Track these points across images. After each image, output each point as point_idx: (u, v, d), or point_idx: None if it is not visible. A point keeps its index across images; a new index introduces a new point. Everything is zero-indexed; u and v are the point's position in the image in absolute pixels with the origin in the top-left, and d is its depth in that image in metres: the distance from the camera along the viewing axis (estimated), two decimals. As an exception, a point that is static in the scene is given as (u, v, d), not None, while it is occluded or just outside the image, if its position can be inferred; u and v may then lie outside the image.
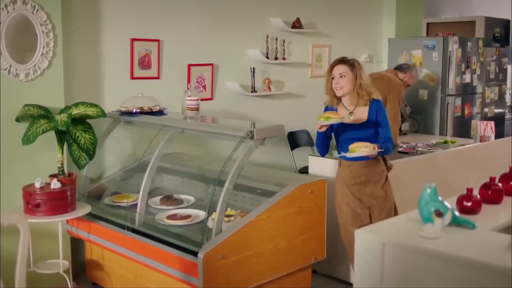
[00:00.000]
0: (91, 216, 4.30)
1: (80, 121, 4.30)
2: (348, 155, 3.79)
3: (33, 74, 4.35)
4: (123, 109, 4.62)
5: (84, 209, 4.20)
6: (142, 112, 4.57)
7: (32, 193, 3.97)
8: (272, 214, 3.80)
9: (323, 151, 4.14)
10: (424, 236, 2.23)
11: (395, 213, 4.11)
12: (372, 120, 3.93)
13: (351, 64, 3.95)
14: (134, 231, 4.06)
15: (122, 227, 4.13)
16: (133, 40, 5.11)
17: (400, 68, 5.90)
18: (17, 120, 4.22)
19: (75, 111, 4.27)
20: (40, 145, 4.22)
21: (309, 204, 4.05)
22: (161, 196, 4.49)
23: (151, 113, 4.58)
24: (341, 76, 3.93)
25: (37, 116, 4.16)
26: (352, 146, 3.76)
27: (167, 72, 5.36)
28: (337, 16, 6.89)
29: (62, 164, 4.25)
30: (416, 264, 2.15)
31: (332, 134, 4.09)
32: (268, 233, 3.80)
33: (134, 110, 4.57)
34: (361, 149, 3.73)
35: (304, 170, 5.47)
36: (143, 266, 3.95)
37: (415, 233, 2.27)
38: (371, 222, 3.90)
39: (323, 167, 4.57)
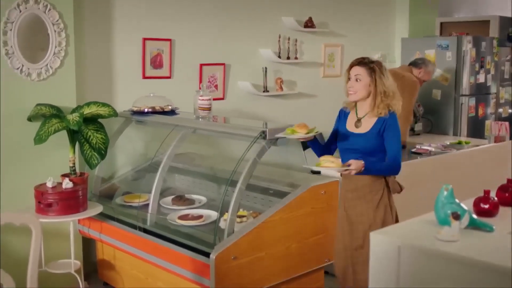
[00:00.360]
0: (103, 216, 4.29)
1: (92, 120, 4.28)
2: (313, 168, 3.37)
3: (45, 73, 4.35)
4: (135, 109, 4.61)
5: (95, 209, 4.18)
6: (154, 112, 4.55)
7: (44, 193, 3.96)
8: (285, 215, 3.77)
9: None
10: (441, 239, 2.19)
11: None
12: (374, 132, 3.41)
13: (371, 67, 3.40)
14: (145, 231, 4.04)
15: (134, 227, 4.11)
16: (145, 39, 5.10)
17: (415, 64, 5.75)
18: (29, 119, 4.22)
19: (87, 111, 4.26)
20: (52, 144, 4.20)
21: (322, 205, 4.01)
22: (172, 196, 4.47)
23: (163, 112, 4.57)
24: (356, 80, 3.42)
25: (49, 116, 4.15)
26: (321, 158, 3.30)
27: (179, 71, 5.35)
28: (349, 15, 6.85)
29: (74, 163, 4.24)
30: (433, 268, 2.11)
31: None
32: (280, 234, 3.76)
33: (146, 110, 4.56)
34: (326, 163, 3.24)
35: (317, 171, 5.41)
36: (154, 266, 3.93)
37: (432, 235, 2.23)
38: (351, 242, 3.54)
39: (336, 167, 4.51)
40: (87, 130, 4.21)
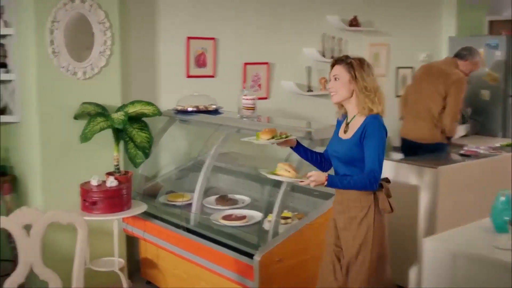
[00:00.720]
0: (146, 215, 4.29)
1: (136, 119, 4.29)
2: (266, 175, 3.10)
3: (91, 72, 4.37)
4: (179, 108, 4.60)
5: (139, 208, 4.19)
6: (198, 111, 4.54)
7: (88, 191, 3.98)
8: (331, 217, 3.68)
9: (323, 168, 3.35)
10: (499, 247, 2.10)
11: (370, 272, 3.06)
12: (355, 137, 3.05)
13: (348, 63, 3.08)
14: (188, 230, 4.02)
15: (177, 226, 4.10)
16: (189, 38, 5.08)
17: (460, 55, 5.29)
18: (75, 117, 4.24)
19: (131, 109, 4.26)
20: (97, 143, 4.22)
21: (368, 208, 3.91)
22: (216, 196, 4.44)
23: (207, 112, 4.55)
24: (335, 79, 3.10)
25: (94, 114, 4.17)
26: (279, 165, 3.07)
27: (222, 70, 5.32)
28: (395, 13, 6.71)
29: (118, 162, 4.25)
30: (490, 277, 2.02)
31: None
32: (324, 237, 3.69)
33: (189, 109, 4.54)
34: (280, 171, 3.01)
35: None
36: (197, 266, 3.90)
37: (489, 243, 2.14)
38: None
39: (384, 169, 4.41)
40: (132, 129, 4.21)
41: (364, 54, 6.42)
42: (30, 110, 4.29)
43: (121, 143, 4.31)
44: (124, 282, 4.15)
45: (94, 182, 4.04)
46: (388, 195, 3.09)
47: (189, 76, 5.12)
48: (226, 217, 4.01)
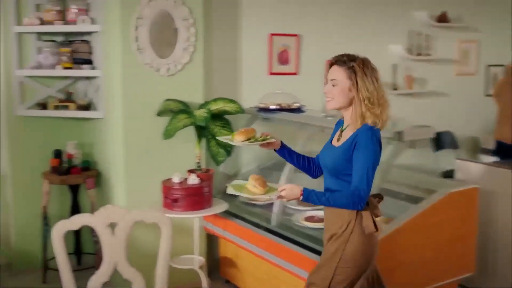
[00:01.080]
0: (227, 213, 4.24)
1: (218, 116, 4.24)
2: (231, 192, 2.81)
3: (174, 68, 4.35)
4: (261, 106, 4.52)
5: (221, 206, 4.13)
6: (280, 109, 4.44)
7: (170, 188, 3.96)
8: (419, 222, 3.52)
9: (312, 175, 3.08)
10: None
11: None
12: (345, 147, 2.69)
13: (350, 67, 2.67)
14: (269, 230, 3.93)
15: (257, 225, 4.02)
16: (272, 35, 5.00)
17: None
18: (158, 114, 4.24)
19: (214, 107, 4.21)
20: (179, 140, 4.21)
21: (459, 213, 3.71)
22: (297, 196, 4.32)
23: (289, 110, 4.44)
24: (332, 85, 2.73)
25: (177, 111, 4.15)
26: (251, 177, 2.82)
27: (305, 68, 5.21)
28: (487, 8, 6.37)
29: (200, 159, 4.21)
30: None
31: None
32: (413, 242, 3.52)
33: (272, 107, 4.45)
34: (249, 186, 2.76)
35: (448, 174, 5.09)
36: (277, 267, 3.81)
37: None
38: None
39: (473, 172, 4.20)
40: (214, 126, 4.17)
41: (453, 51, 6.16)
42: (114, 106, 4.33)
43: (203, 141, 4.27)
44: (204, 280, 4.11)
45: (176, 179, 4.02)
46: (376, 214, 2.74)
47: (271, 73, 5.04)
48: (309, 219, 3.89)
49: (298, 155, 3.00)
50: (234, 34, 4.87)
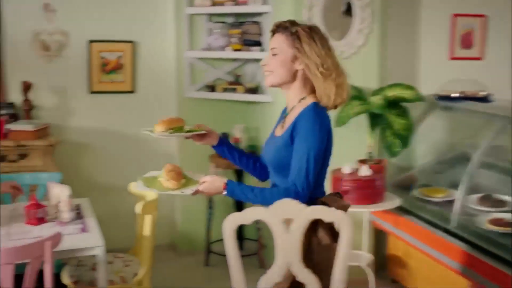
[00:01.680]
0: (398, 209, 3.93)
1: (394, 104, 3.93)
2: (139, 185, 2.37)
3: (348, 51, 4.10)
4: (442, 93, 4.13)
5: (393, 202, 3.83)
6: (464, 98, 4.03)
7: (340, 179, 3.73)
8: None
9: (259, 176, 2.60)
10: None
11: None
12: (286, 136, 2.27)
13: (294, 33, 2.24)
14: (446, 231, 3.57)
15: (433, 224, 3.68)
16: (455, 15, 4.57)
17: None
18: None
19: (390, 93, 3.91)
20: (349, 127, 3.95)
21: None
22: (479, 195, 3.89)
23: (475, 99, 4.01)
24: (272, 54, 2.28)
25: (350, 97, 3.88)
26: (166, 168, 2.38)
27: (492, 52, 4.72)
28: None
29: (372, 149, 3.93)
30: None
31: None
32: None
33: (454, 95, 4.05)
34: (161, 178, 2.36)
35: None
36: (455, 273, 3.44)
37: None
38: None
39: None
40: (390, 115, 3.86)
41: None
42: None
43: (377, 129, 3.98)
44: (372, 280, 3.84)
45: (346, 170, 3.78)
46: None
47: (452, 58, 4.62)
48: (495, 222, 3.46)
49: (242, 153, 2.55)
50: (413, 14, 4.53)
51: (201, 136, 2.47)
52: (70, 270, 3.25)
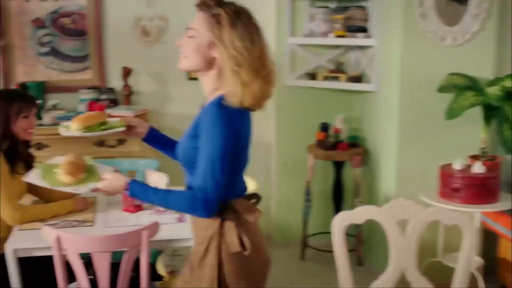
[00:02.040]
0: (510, 209, 3.61)
1: (512, 96, 3.60)
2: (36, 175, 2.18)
3: (461, 38, 3.80)
4: None
5: (507, 203, 3.51)
6: None
7: (451, 176, 3.46)
8: None
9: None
10: None
11: None
12: (189, 134, 2.05)
13: (215, 15, 1.94)
14: None
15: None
16: None
17: None
18: (439, 90, 3.75)
19: (509, 84, 3.58)
20: (461, 120, 3.67)
21: None
22: None
23: None
24: (189, 36, 2.01)
25: (463, 87, 3.61)
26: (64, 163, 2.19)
27: None
28: None
29: (486, 145, 3.63)
30: None
31: None
32: None
33: None
34: (57, 170, 2.15)
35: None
36: None
37: None
38: None
39: None
40: (508, 107, 3.53)
41: None
42: (390, 79, 3.96)
43: (492, 123, 3.68)
44: (482, 285, 3.56)
45: (457, 166, 3.50)
46: (247, 224, 2.00)
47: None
48: None
49: (164, 143, 2.32)
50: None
51: (128, 130, 2.33)
52: (165, 260, 3.20)
